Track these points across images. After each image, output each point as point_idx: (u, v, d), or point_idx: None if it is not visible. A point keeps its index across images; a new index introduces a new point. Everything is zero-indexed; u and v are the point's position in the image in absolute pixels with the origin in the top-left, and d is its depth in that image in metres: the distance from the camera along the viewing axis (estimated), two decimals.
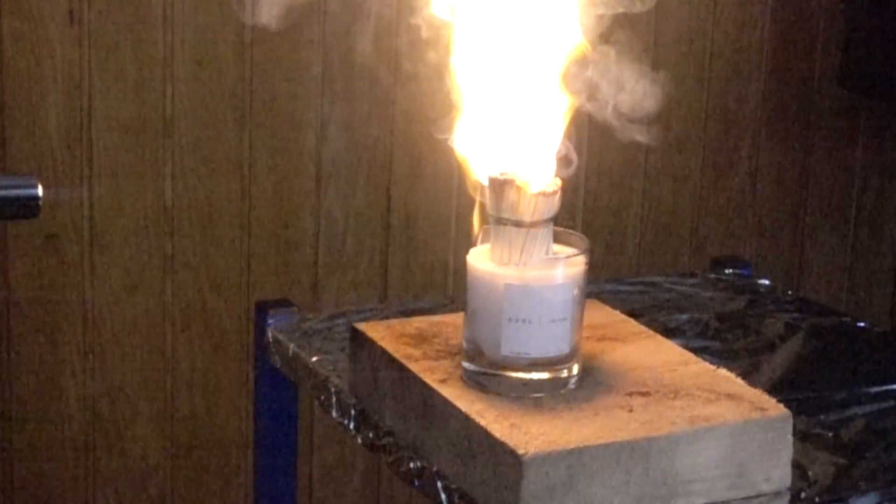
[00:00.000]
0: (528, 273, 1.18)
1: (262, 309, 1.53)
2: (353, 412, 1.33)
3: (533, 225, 1.18)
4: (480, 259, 1.21)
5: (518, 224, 1.18)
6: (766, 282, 1.73)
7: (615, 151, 2.58)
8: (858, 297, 2.92)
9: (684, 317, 1.60)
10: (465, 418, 1.15)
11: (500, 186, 1.19)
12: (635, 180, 2.66)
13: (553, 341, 1.19)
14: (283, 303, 1.55)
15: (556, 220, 1.22)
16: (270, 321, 1.52)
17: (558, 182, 1.21)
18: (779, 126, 2.77)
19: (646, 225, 2.68)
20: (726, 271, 1.75)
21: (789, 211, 2.82)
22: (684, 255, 2.72)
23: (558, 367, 1.20)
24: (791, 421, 1.19)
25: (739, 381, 1.24)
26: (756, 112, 2.74)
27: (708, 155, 2.71)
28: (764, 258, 2.80)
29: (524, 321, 1.18)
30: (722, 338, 1.55)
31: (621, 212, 2.66)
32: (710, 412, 1.17)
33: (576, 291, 1.19)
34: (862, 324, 1.60)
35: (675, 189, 2.70)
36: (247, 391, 2.38)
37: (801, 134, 2.79)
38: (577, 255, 1.20)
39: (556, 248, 1.22)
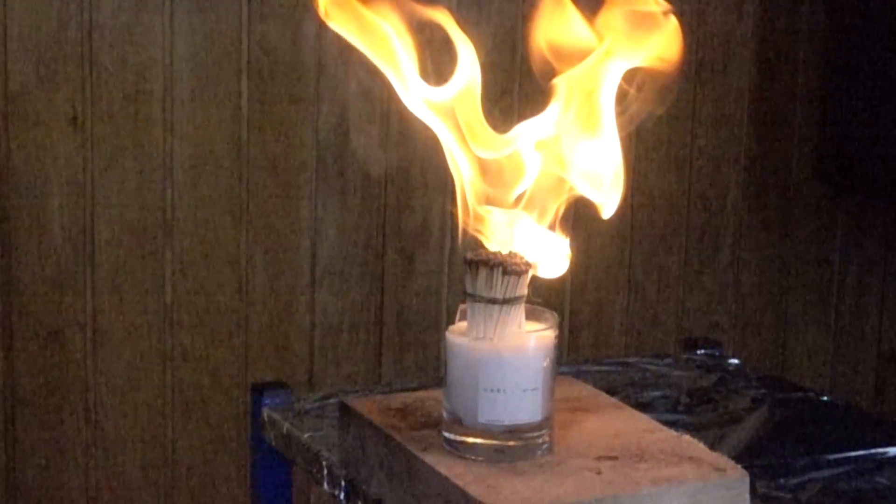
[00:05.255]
0: (502, 346, 1.27)
1: (258, 390, 1.61)
2: (342, 483, 1.41)
3: (505, 302, 1.28)
4: (458, 334, 1.30)
5: (491, 301, 1.27)
6: (736, 361, 1.81)
7: (599, 244, 2.67)
8: (842, 384, 2.99)
9: (657, 393, 1.69)
10: (446, 481, 1.24)
11: (475, 267, 1.29)
12: (620, 273, 2.74)
13: (526, 410, 1.28)
14: (278, 384, 1.63)
15: (528, 297, 1.31)
16: (266, 401, 1.60)
17: (529, 262, 1.30)
18: (759, 217, 2.85)
19: (631, 315, 2.76)
20: (698, 352, 1.84)
21: (772, 300, 2.90)
22: (669, 345, 2.79)
23: (531, 434, 1.28)
24: (748, 481, 1.27)
25: (702, 445, 1.33)
26: (737, 204, 2.82)
27: (691, 245, 2.80)
28: (748, 347, 2.87)
29: (498, 391, 1.27)
30: (691, 412, 1.63)
31: (608, 303, 2.74)
32: (672, 473, 1.26)
33: (546, 363, 1.28)
34: (825, 398, 1.69)
35: (659, 280, 2.78)
36: (245, 476, 2.44)
37: (780, 225, 2.88)
38: (547, 329, 1.29)
39: (528, 324, 1.31)
